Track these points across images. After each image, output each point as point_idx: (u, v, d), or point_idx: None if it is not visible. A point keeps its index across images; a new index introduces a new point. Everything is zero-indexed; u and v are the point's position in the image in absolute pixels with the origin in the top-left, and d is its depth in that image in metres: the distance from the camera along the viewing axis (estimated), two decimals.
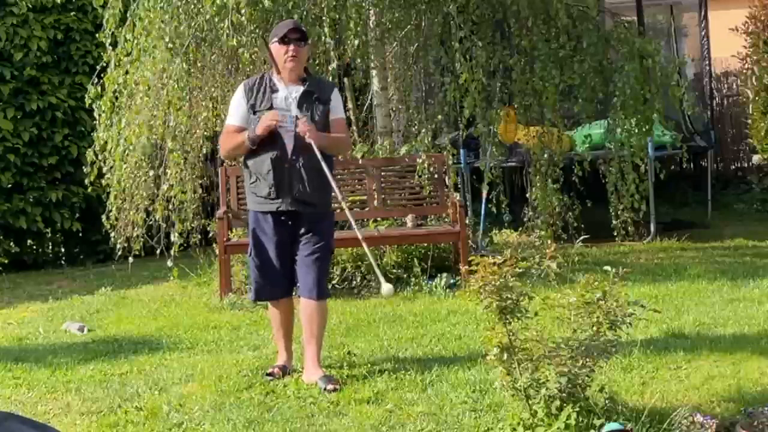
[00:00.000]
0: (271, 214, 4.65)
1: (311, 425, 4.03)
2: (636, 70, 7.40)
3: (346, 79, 9.14)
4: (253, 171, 4.66)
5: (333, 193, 4.74)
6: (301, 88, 4.65)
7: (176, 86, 7.05)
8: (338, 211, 7.49)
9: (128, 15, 7.43)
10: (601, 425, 3.39)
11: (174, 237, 7.32)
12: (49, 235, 9.40)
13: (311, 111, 4.63)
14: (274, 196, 4.60)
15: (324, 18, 7.10)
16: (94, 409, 4.39)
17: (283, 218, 4.64)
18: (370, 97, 8.67)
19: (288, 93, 4.61)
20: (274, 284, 4.76)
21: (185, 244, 7.65)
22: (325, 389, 4.45)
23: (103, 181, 7.71)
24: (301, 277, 4.66)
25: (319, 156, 4.51)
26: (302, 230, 4.63)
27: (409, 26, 8.00)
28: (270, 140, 4.58)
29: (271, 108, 4.61)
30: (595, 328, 3.56)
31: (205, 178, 8.24)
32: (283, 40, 4.63)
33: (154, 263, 8.28)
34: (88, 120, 8.77)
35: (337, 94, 4.83)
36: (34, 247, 9.49)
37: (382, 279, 4.65)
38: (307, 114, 4.59)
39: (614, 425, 3.37)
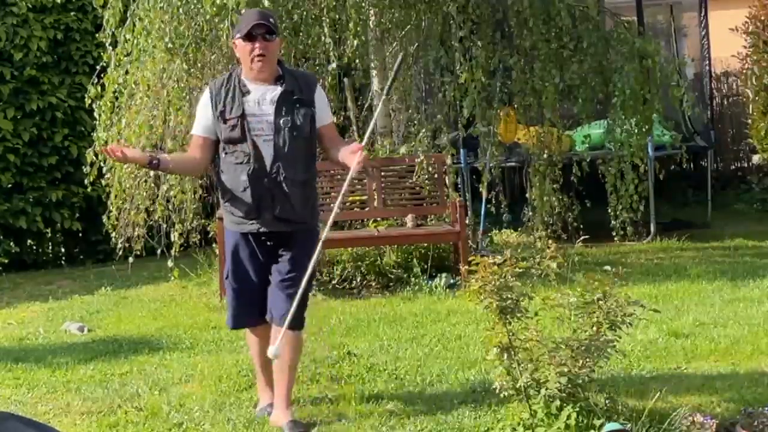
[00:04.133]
0: (251, 234, 4.09)
1: (311, 425, 4.03)
2: (636, 70, 7.40)
3: (346, 79, 9.14)
4: (228, 186, 4.08)
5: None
6: (278, 89, 4.04)
7: (176, 86, 7.05)
8: (337, 211, 7.55)
9: (128, 15, 7.42)
10: (601, 425, 3.40)
11: (174, 237, 7.32)
12: (49, 235, 9.40)
13: (292, 116, 4.02)
14: (254, 216, 4.03)
15: (324, 18, 7.10)
16: (94, 409, 4.40)
17: (263, 238, 4.09)
18: (370, 97, 8.67)
19: (262, 95, 4.04)
20: (253, 309, 4.16)
21: (185, 244, 7.65)
22: None
23: (103, 181, 7.72)
24: (274, 301, 4.06)
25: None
26: (282, 248, 4.07)
27: (409, 26, 8.00)
28: (243, 152, 4.00)
29: (243, 115, 3.99)
30: (595, 328, 3.57)
31: (205, 178, 8.23)
32: (248, 37, 4.00)
33: (154, 263, 8.28)
34: (88, 120, 8.76)
35: (321, 92, 4.20)
36: (34, 247, 9.48)
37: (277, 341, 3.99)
38: (287, 119, 4.01)
39: (614, 425, 3.37)
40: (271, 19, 4.10)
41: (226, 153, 4.07)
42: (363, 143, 4.14)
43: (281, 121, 4.01)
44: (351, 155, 4.05)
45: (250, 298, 4.15)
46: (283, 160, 3.99)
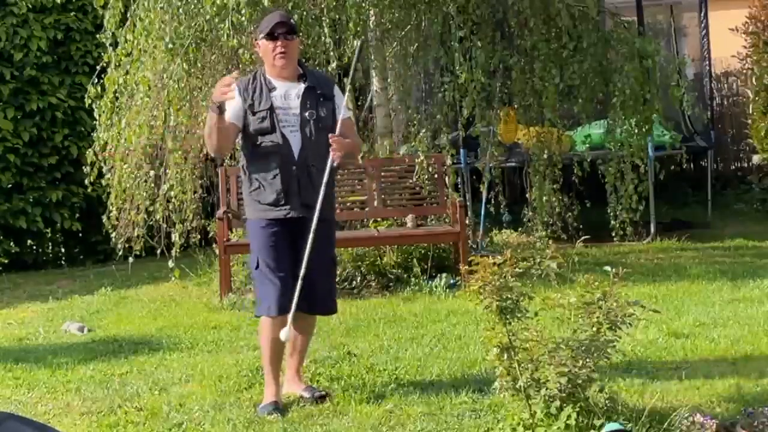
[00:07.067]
0: (278, 221, 4.30)
1: (311, 425, 4.03)
2: (636, 70, 7.40)
3: (346, 79, 9.13)
4: (255, 177, 4.32)
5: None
6: (302, 85, 4.36)
7: (176, 86, 7.05)
8: (339, 211, 7.55)
9: (128, 15, 7.43)
10: (601, 425, 3.39)
11: (175, 237, 7.32)
12: (49, 235, 9.40)
13: (316, 109, 4.33)
14: (283, 203, 4.27)
15: (324, 18, 7.10)
16: (94, 409, 4.39)
17: (289, 226, 4.30)
18: (370, 97, 8.67)
19: (287, 90, 4.34)
20: (286, 296, 4.25)
21: (185, 244, 7.65)
22: (313, 398, 4.30)
23: (103, 181, 7.72)
24: (310, 290, 4.25)
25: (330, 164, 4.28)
26: (307, 238, 4.20)
27: (409, 26, 8.00)
28: (273, 142, 4.29)
29: (271, 108, 4.28)
30: (595, 328, 3.56)
31: (205, 178, 8.24)
32: (271, 36, 4.30)
33: (154, 263, 8.28)
34: (88, 120, 8.76)
35: (338, 89, 4.53)
36: (34, 247, 9.49)
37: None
38: (312, 112, 4.31)
39: (614, 425, 3.37)
40: (291, 20, 4.47)
41: (254, 144, 4.35)
42: (336, 133, 4.31)
43: (307, 114, 4.33)
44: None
45: (283, 284, 4.27)
46: (309, 149, 4.30)
